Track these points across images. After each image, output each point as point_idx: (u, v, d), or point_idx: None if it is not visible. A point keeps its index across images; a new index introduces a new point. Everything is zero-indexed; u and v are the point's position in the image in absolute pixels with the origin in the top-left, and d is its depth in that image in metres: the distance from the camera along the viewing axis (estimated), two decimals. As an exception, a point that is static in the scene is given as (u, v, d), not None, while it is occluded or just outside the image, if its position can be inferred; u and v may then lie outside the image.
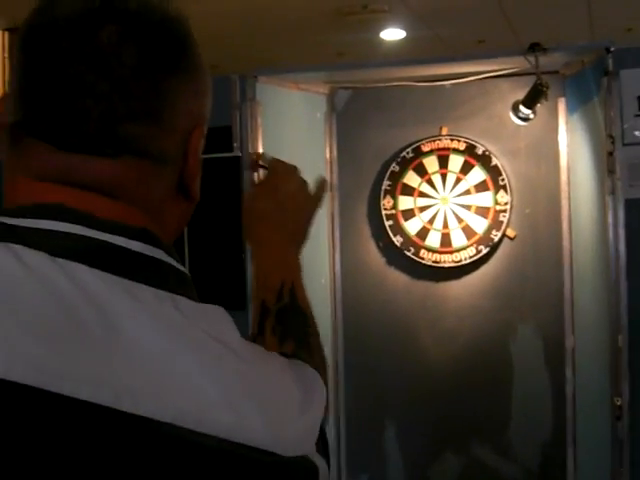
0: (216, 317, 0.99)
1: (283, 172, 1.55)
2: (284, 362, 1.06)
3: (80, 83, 0.97)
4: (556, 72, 4.20)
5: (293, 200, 1.51)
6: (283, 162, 1.56)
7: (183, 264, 1.02)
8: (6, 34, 6.70)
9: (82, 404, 0.83)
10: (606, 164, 3.59)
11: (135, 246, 0.95)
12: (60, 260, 0.89)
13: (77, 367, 0.85)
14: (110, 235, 0.94)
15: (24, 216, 0.95)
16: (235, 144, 4.00)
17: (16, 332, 0.85)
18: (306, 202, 1.55)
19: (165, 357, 0.88)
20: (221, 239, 4.03)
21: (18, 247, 0.90)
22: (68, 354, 0.85)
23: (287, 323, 1.39)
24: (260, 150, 4.00)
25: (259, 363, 1.00)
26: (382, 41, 7.82)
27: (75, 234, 0.93)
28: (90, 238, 0.94)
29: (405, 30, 7.55)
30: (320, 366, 1.27)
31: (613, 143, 3.55)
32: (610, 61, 3.58)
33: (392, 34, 7.66)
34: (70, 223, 0.94)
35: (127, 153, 0.99)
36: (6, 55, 6.62)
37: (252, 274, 1.48)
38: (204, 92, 1.08)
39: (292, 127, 4.39)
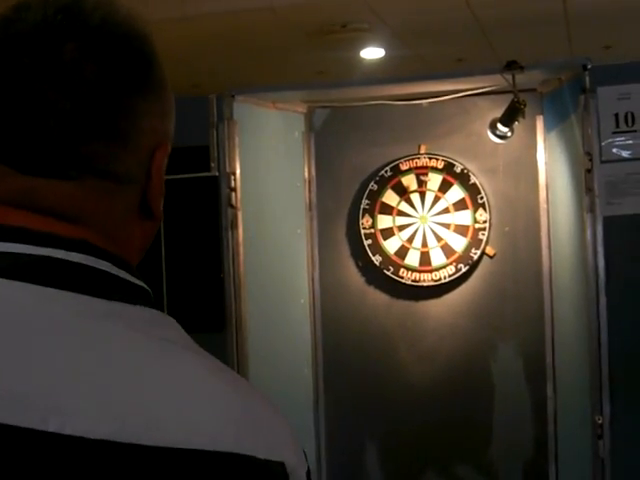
0: (171, 325, 0.97)
1: None
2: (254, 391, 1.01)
3: (41, 101, 0.94)
4: (534, 90, 4.21)
5: None
6: None
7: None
8: None
9: (4, 427, 0.82)
10: (584, 182, 3.58)
11: (75, 257, 0.93)
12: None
13: (2, 388, 0.83)
14: (48, 249, 0.92)
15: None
16: (212, 164, 3.98)
17: None
18: None
19: (106, 367, 0.86)
20: (199, 259, 4.00)
21: None
22: None
23: None
24: (237, 170, 3.98)
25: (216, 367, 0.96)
26: (362, 60, 7.81)
27: (10, 252, 0.91)
28: (27, 254, 0.91)
29: (384, 49, 7.54)
30: None
31: (591, 160, 3.55)
32: (587, 78, 3.58)
33: (372, 53, 7.64)
34: (6, 242, 0.92)
35: (89, 174, 0.97)
36: None
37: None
38: (168, 111, 1.07)
39: (270, 146, 4.37)
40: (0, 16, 0.99)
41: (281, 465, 0.89)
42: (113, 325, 0.90)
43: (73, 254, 0.92)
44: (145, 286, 1.00)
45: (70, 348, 0.86)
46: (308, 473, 0.95)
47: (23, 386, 0.84)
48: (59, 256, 0.92)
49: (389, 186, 4.54)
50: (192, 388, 0.89)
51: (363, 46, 7.45)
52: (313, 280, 4.64)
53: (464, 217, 4.45)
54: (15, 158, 0.95)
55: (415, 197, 4.52)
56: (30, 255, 0.91)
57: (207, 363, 0.94)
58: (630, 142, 3.54)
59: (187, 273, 4.01)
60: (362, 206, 4.56)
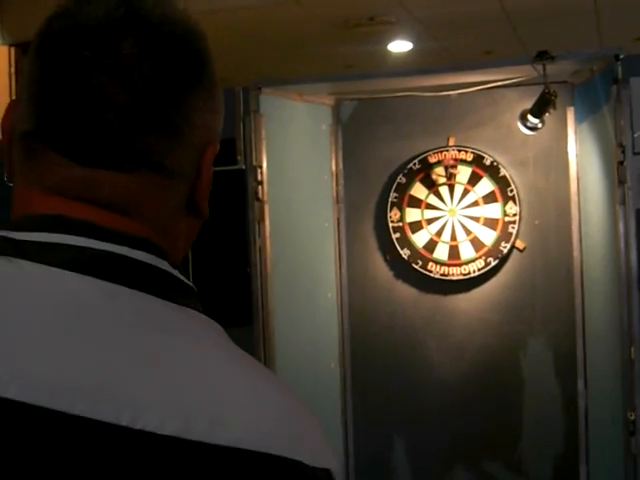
0: (219, 329, 0.99)
1: None
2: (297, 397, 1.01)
3: (101, 94, 0.95)
4: (564, 82, 4.15)
5: None
6: None
7: (187, 279, 1.00)
8: (12, 49, 6.68)
9: (79, 420, 0.83)
10: (616, 174, 3.53)
11: (138, 255, 0.95)
12: (60, 271, 0.90)
13: (76, 381, 0.84)
14: (112, 245, 0.93)
15: (25, 229, 0.94)
16: (239, 157, 3.95)
17: (15, 348, 0.85)
18: None
19: (172, 365, 0.88)
20: (226, 253, 3.98)
21: (20, 260, 0.91)
22: (67, 368, 0.85)
23: None
24: (264, 163, 3.96)
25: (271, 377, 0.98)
26: (389, 53, 7.79)
27: (76, 245, 0.93)
28: (91, 249, 0.93)
29: (412, 42, 7.51)
30: None
31: (623, 152, 3.50)
32: (619, 69, 3.53)
33: (399, 46, 7.62)
34: (70, 235, 0.93)
35: (144, 167, 0.98)
36: (12, 71, 6.60)
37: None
38: (219, 108, 1.07)
39: (297, 139, 4.34)
40: (62, 7, 1.00)
41: (327, 472, 0.90)
42: (177, 325, 0.93)
43: (136, 252, 0.94)
44: (191, 284, 1.01)
45: (137, 344, 0.88)
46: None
47: (95, 379, 0.85)
48: (122, 252, 0.94)
49: (417, 179, 4.49)
50: (249, 390, 0.90)
51: (391, 39, 7.43)
52: (340, 274, 4.61)
53: (494, 210, 4.39)
54: (72, 148, 0.96)
55: (444, 190, 4.47)
56: (94, 250, 0.93)
57: (256, 367, 0.97)
58: (664, 133, 3.50)
59: (214, 267, 4.00)
60: (390, 199, 4.52)
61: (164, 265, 0.96)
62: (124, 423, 0.83)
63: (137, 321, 0.90)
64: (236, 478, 0.85)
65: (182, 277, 0.99)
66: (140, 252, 0.94)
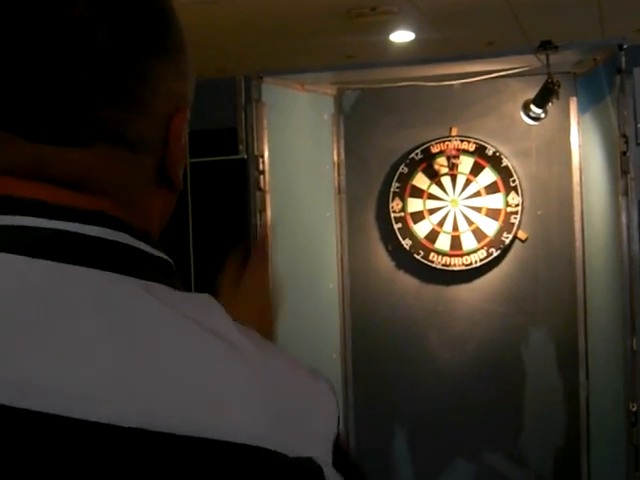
0: (203, 304, 0.89)
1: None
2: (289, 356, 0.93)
3: (50, 64, 0.87)
4: (567, 72, 4.13)
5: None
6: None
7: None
8: None
9: (25, 413, 0.75)
10: (619, 164, 3.52)
11: (91, 231, 0.86)
12: (4, 255, 0.82)
13: (16, 372, 0.77)
14: (62, 222, 0.85)
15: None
16: (240, 146, 3.94)
17: None
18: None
19: (129, 350, 0.79)
20: (227, 243, 3.97)
21: None
22: (10, 360, 0.77)
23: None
24: (266, 152, 3.94)
25: (261, 354, 0.87)
26: (391, 43, 7.79)
27: (21, 226, 0.85)
28: (38, 228, 0.85)
29: (414, 32, 7.51)
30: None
31: (627, 143, 3.48)
32: (623, 59, 3.51)
33: (401, 36, 7.62)
34: (16, 215, 0.85)
35: (102, 140, 0.91)
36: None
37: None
38: (186, 73, 1.00)
39: (298, 129, 4.32)
40: None
41: (309, 460, 0.82)
42: (135, 302, 0.83)
43: (88, 227, 0.86)
44: (166, 257, 0.93)
45: (90, 329, 0.79)
46: (337, 439, 0.88)
47: (43, 370, 0.77)
48: (73, 229, 0.86)
49: (420, 169, 4.48)
50: (222, 374, 0.82)
51: (393, 29, 7.43)
52: (342, 264, 4.60)
53: (496, 200, 4.38)
54: (21, 124, 0.89)
55: (446, 180, 4.46)
56: (41, 229, 0.85)
57: (241, 344, 0.86)
58: (667, 123, 3.48)
59: (215, 257, 3.97)
60: (392, 189, 4.50)
61: (122, 238, 0.88)
62: (77, 416, 0.75)
63: (91, 303, 0.81)
64: (203, 468, 0.77)
65: (151, 249, 0.91)
66: (93, 227, 0.86)
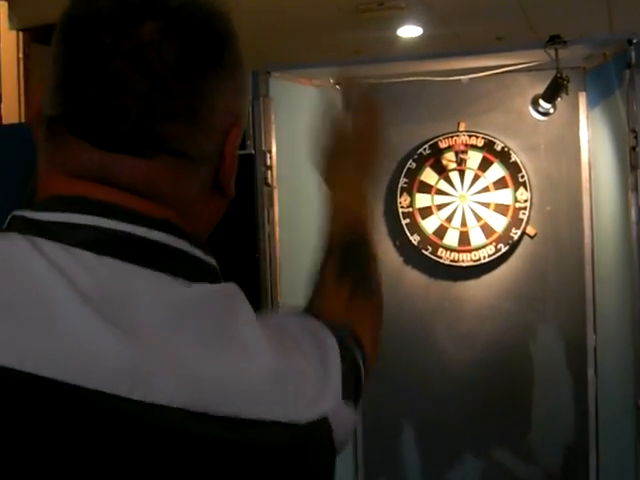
0: (233, 305, 1.04)
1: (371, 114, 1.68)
2: (299, 339, 1.10)
3: (120, 80, 0.96)
4: (576, 67, 4.11)
5: (370, 140, 1.64)
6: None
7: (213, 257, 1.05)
8: (21, 34, 6.66)
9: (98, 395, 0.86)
10: (629, 159, 3.50)
11: (156, 236, 0.97)
12: (77, 251, 0.92)
13: (94, 356, 0.87)
14: (131, 225, 0.96)
15: (47, 210, 0.97)
16: (248, 141, 3.92)
17: (32, 326, 0.87)
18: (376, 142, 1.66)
19: (175, 342, 0.92)
20: (234, 238, 3.95)
21: (38, 239, 0.93)
22: (84, 343, 0.88)
23: (351, 258, 1.49)
24: (273, 148, 3.92)
25: (276, 354, 1.02)
26: (399, 39, 7.76)
27: (94, 226, 0.95)
28: (111, 229, 0.95)
29: (422, 27, 7.48)
30: (375, 308, 1.45)
31: (636, 138, 3.46)
32: (632, 53, 3.49)
33: (409, 31, 7.59)
34: (90, 215, 0.96)
35: (164, 153, 1.00)
36: (20, 55, 6.59)
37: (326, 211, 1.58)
38: (243, 90, 1.09)
39: (306, 124, 4.29)
40: None
41: (322, 421, 1.01)
42: (189, 302, 0.97)
43: (154, 232, 0.97)
44: (214, 262, 1.05)
45: (150, 321, 0.92)
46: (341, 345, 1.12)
47: (108, 352, 0.88)
48: (140, 233, 0.96)
49: (428, 164, 4.46)
50: (252, 358, 0.97)
51: (400, 25, 7.41)
52: (350, 260, 4.57)
53: (504, 196, 4.36)
54: (92, 133, 0.98)
55: (454, 176, 4.44)
56: (114, 230, 0.95)
57: (270, 337, 1.02)
58: (677, 118, 3.45)
59: (222, 252, 3.96)
60: (400, 184, 4.48)
61: (182, 245, 0.99)
62: (136, 397, 0.87)
63: (154, 300, 0.94)
64: (237, 445, 0.93)
65: (204, 256, 1.02)
66: (158, 232, 0.97)
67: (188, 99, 0.99)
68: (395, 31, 7.57)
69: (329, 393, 1.05)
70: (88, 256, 0.92)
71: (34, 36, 6.41)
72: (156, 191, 1.00)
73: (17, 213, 0.99)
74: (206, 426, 0.90)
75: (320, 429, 1.01)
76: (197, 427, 0.90)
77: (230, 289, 1.05)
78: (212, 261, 1.04)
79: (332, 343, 1.14)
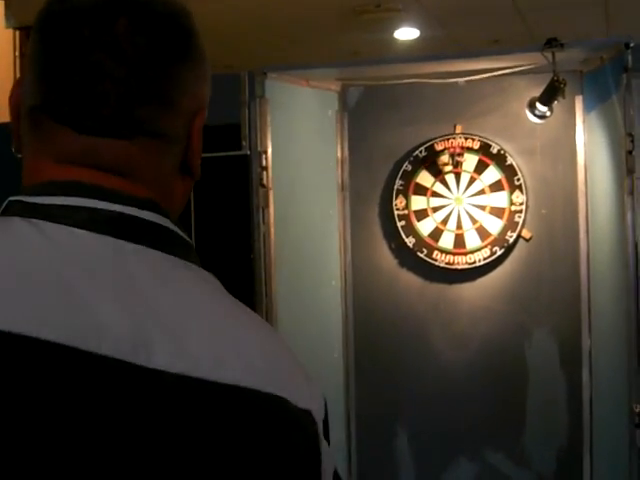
0: (218, 283, 1.11)
1: None
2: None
3: (100, 69, 1.05)
4: (573, 71, 4.11)
5: None
6: None
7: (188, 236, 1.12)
8: (17, 33, 6.65)
9: (104, 359, 0.95)
10: (625, 163, 3.49)
11: (146, 215, 1.05)
12: (79, 230, 1.01)
13: (99, 323, 0.96)
14: (122, 206, 1.04)
15: (42, 194, 1.05)
16: (244, 142, 3.92)
17: (46, 295, 0.97)
18: None
19: (181, 311, 1.01)
20: (229, 239, 3.95)
21: (40, 222, 1.02)
22: (90, 312, 0.97)
23: None
24: (269, 149, 3.92)
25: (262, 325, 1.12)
26: (396, 40, 7.75)
27: (90, 207, 1.03)
28: (105, 210, 1.04)
29: (419, 29, 7.47)
30: None
31: (632, 142, 3.46)
32: (629, 57, 3.48)
33: (406, 33, 7.58)
34: (84, 197, 1.04)
35: (141, 134, 1.08)
36: (17, 54, 6.58)
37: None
38: (206, 77, 1.17)
39: (302, 125, 4.30)
40: None
41: (308, 413, 1.04)
42: (181, 276, 1.05)
43: (144, 212, 1.05)
44: (192, 242, 1.13)
45: (150, 292, 1.00)
46: (325, 421, 1.09)
47: (115, 321, 0.96)
48: (132, 213, 1.04)
49: (424, 167, 4.46)
50: (244, 335, 1.04)
51: (397, 26, 7.39)
52: (345, 262, 4.58)
53: (500, 199, 4.36)
54: (75, 119, 1.07)
55: (450, 178, 4.44)
56: (108, 210, 1.03)
57: (248, 314, 1.09)
58: (674, 122, 3.45)
59: (217, 253, 3.96)
60: (396, 187, 4.48)
61: (168, 223, 1.07)
62: (139, 362, 0.95)
63: (146, 273, 1.02)
64: (232, 411, 0.98)
65: (183, 234, 1.10)
66: (147, 212, 1.05)
67: (162, 84, 1.08)
68: (392, 33, 7.56)
69: (313, 395, 1.08)
70: (87, 235, 1.01)
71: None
72: (137, 171, 1.08)
73: (13, 198, 1.06)
74: (202, 392, 0.97)
75: (306, 417, 1.04)
76: (195, 393, 0.96)
77: (212, 277, 1.12)
78: (191, 241, 1.12)
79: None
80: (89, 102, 1.06)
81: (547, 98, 3.88)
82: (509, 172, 4.35)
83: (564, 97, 3.83)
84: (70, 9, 1.08)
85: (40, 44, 1.09)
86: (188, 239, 1.11)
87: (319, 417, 1.06)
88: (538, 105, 3.95)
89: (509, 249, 4.37)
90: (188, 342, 0.98)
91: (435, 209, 4.45)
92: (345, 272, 4.58)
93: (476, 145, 4.40)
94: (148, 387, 0.95)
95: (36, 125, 1.10)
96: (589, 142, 4.18)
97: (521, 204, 4.32)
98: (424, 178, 4.46)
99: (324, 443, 1.06)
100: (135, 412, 0.95)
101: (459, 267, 4.42)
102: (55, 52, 1.07)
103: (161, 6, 1.12)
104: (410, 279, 4.53)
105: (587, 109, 4.17)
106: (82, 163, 1.07)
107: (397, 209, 4.48)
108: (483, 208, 4.38)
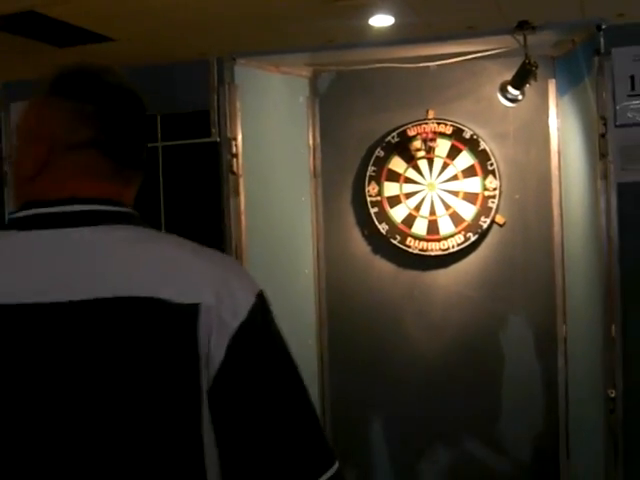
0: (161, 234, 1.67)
1: None
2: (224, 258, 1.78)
3: (133, 129, 1.67)
4: (546, 55, 4.07)
5: None
6: None
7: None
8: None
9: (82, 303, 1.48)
10: (598, 147, 3.46)
11: (115, 209, 1.60)
12: (66, 229, 1.53)
13: (75, 279, 1.48)
14: (101, 206, 1.58)
15: (52, 205, 1.57)
16: (213, 129, 3.86)
17: (48, 267, 1.50)
18: None
19: (131, 258, 1.52)
20: (199, 227, 3.90)
21: (34, 232, 1.55)
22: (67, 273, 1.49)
23: None
24: (239, 135, 3.87)
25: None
26: (371, 27, 7.71)
27: (81, 210, 1.56)
28: (90, 210, 1.57)
29: (394, 16, 7.43)
30: None
31: (605, 125, 3.42)
32: (601, 39, 3.45)
33: (381, 20, 7.54)
34: (79, 205, 1.57)
35: (143, 165, 1.70)
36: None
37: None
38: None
39: (273, 112, 4.25)
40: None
41: (195, 306, 1.48)
42: (142, 236, 1.59)
43: (115, 208, 1.60)
44: (137, 213, 1.64)
45: (121, 250, 1.53)
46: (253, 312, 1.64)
47: (104, 269, 1.49)
48: (112, 209, 1.60)
49: (396, 152, 4.42)
50: (167, 256, 1.54)
51: (372, 13, 7.35)
52: (318, 249, 4.55)
53: (473, 184, 4.33)
54: (119, 156, 1.64)
55: (423, 164, 4.40)
56: (90, 210, 1.58)
57: (189, 246, 1.62)
58: (646, 105, 3.42)
59: (187, 238, 3.90)
60: (368, 173, 4.45)
61: (128, 210, 1.63)
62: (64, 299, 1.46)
63: (125, 240, 1.54)
64: (129, 313, 1.45)
65: (135, 212, 1.63)
66: (116, 207, 1.60)
67: (145, 141, 1.71)
68: (367, 20, 7.52)
69: (207, 292, 1.51)
70: (85, 230, 1.53)
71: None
72: (134, 185, 1.68)
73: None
74: (113, 305, 1.45)
75: (185, 309, 1.47)
76: (105, 307, 1.45)
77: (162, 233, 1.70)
78: (137, 213, 1.64)
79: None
80: (130, 149, 1.68)
81: (519, 81, 3.84)
82: (482, 157, 4.31)
83: (536, 80, 3.79)
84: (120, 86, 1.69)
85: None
86: (137, 214, 1.63)
87: (218, 310, 1.50)
88: (510, 89, 3.91)
89: (483, 235, 4.34)
90: (133, 275, 1.48)
91: (408, 195, 4.42)
92: (318, 259, 4.55)
93: (449, 130, 4.36)
94: (70, 315, 1.45)
95: (79, 155, 1.64)
96: (562, 126, 4.15)
97: (494, 189, 4.30)
98: (397, 164, 4.42)
99: (214, 324, 1.49)
100: (65, 332, 1.44)
101: (433, 253, 4.39)
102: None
103: (128, 92, 1.69)
104: (384, 266, 4.50)
105: (560, 93, 4.14)
106: (107, 180, 1.65)
107: (370, 195, 4.44)
108: (456, 194, 4.35)
